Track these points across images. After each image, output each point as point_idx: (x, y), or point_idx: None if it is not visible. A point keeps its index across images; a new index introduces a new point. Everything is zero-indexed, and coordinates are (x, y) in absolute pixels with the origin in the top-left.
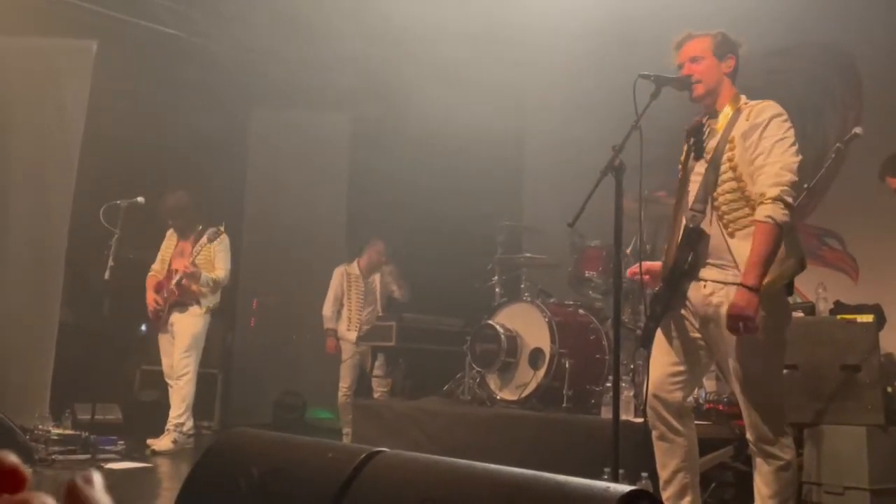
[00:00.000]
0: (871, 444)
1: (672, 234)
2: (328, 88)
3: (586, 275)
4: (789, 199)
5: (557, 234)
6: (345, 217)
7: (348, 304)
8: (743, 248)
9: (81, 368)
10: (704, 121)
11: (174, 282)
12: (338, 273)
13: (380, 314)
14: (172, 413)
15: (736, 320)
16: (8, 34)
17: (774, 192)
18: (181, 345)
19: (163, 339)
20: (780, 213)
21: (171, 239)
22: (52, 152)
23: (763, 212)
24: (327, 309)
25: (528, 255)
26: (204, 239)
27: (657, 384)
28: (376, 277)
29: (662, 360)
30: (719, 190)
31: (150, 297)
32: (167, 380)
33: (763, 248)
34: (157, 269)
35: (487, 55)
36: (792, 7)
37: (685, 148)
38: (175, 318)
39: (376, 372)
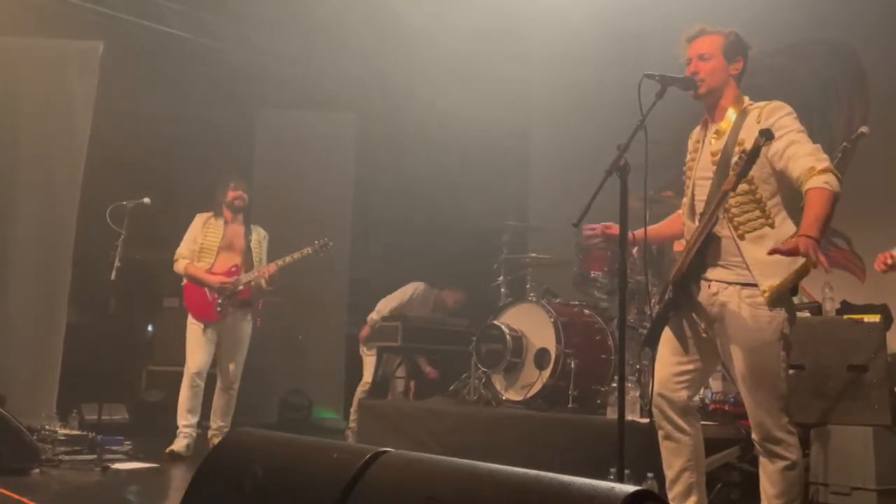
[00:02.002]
0: (877, 445)
1: (692, 237)
2: (334, 88)
3: (591, 275)
4: (839, 174)
5: (563, 234)
6: (350, 216)
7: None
8: (753, 250)
9: (88, 369)
10: (709, 124)
11: (249, 281)
12: (411, 286)
13: None
14: (218, 421)
15: (803, 249)
16: (15, 35)
17: (823, 164)
18: (240, 352)
19: (204, 336)
20: (834, 182)
21: (213, 227)
22: (59, 153)
23: (819, 180)
24: (385, 307)
25: (533, 255)
26: (308, 249)
27: (663, 383)
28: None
29: (669, 359)
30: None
31: (217, 280)
32: (197, 379)
33: (824, 209)
34: (186, 255)
35: (493, 55)
36: (798, 5)
37: (689, 151)
38: (233, 321)
39: (399, 373)
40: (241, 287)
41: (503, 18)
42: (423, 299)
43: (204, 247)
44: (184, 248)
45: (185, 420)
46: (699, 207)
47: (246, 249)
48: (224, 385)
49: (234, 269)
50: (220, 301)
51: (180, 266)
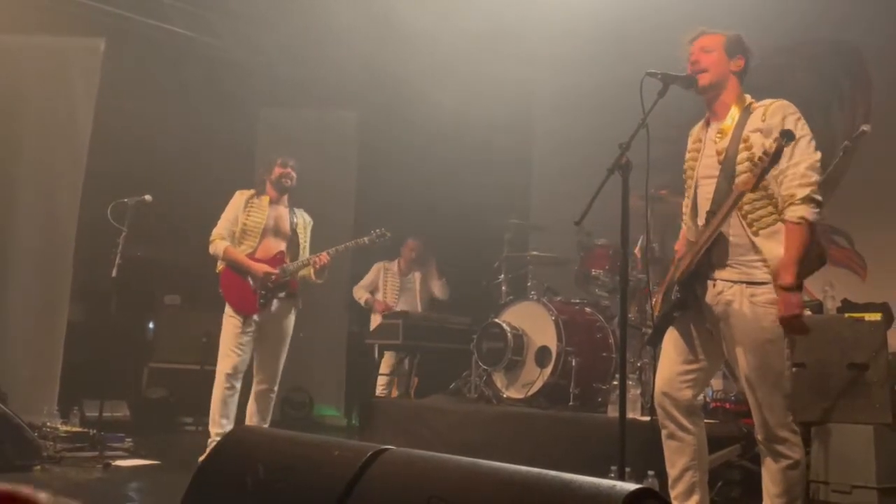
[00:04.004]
0: (878, 443)
1: (699, 236)
2: (335, 86)
3: (593, 273)
4: (818, 198)
5: (564, 232)
6: (352, 215)
7: (383, 298)
8: (769, 245)
9: (90, 366)
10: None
11: (297, 270)
12: (375, 267)
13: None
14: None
15: (788, 322)
16: (17, 32)
17: (804, 192)
18: (284, 350)
19: (243, 331)
20: (811, 213)
21: (257, 206)
22: (61, 150)
23: (795, 213)
24: (357, 291)
25: (534, 253)
26: (364, 239)
27: (667, 382)
28: (416, 276)
29: (674, 358)
30: (738, 182)
31: (262, 268)
32: (232, 381)
33: (797, 249)
34: (225, 236)
35: (496, 53)
36: (800, 4)
37: (688, 150)
38: (277, 313)
39: (396, 371)
40: (288, 277)
41: (505, 17)
42: (386, 270)
43: (247, 228)
44: (222, 228)
45: (219, 427)
46: (704, 206)
47: (291, 234)
48: (263, 387)
49: (279, 255)
50: (263, 292)
51: (219, 248)
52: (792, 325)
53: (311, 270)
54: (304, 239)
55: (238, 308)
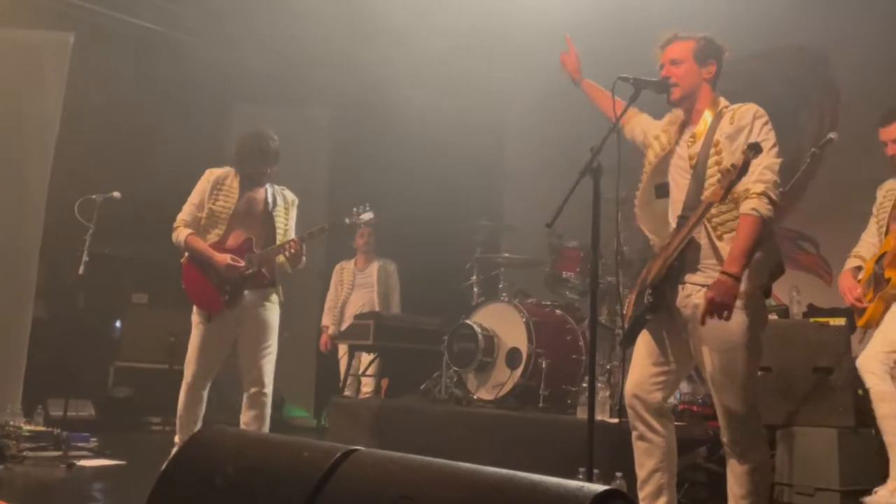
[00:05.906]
0: (841, 446)
1: (669, 242)
2: (309, 84)
3: (564, 275)
4: (773, 196)
5: (536, 234)
6: (324, 213)
7: (342, 297)
8: (729, 249)
9: (54, 364)
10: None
11: (266, 261)
12: (335, 270)
13: (376, 308)
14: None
15: (712, 306)
16: None
17: (759, 187)
18: (266, 346)
19: (210, 332)
20: (764, 208)
21: (226, 187)
22: (28, 145)
23: (748, 204)
24: (328, 309)
25: (506, 254)
26: (345, 220)
27: (638, 384)
28: (373, 268)
29: (645, 361)
30: (707, 193)
31: (224, 260)
32: (196, 390)
33: (748, 240)
34: (190, 222)
35: (470, 53)
36: (771, 11)
37: (655, 136)
38: (252, 307)
39: (368, 371)
40: (252, 269)
41: (480, 18)
42: (342, 270)
43: (214, 213)
44: (186, 214)
45: (186, 436)
46: (675, 210)
47: (264, 217)
48: (252, 390)
49: (246, 243)
50: (227, 287)
51: (180, 236)
52: (719, 310)
53: (284, 257)
54: (285, 221)
55: (202, 306)
